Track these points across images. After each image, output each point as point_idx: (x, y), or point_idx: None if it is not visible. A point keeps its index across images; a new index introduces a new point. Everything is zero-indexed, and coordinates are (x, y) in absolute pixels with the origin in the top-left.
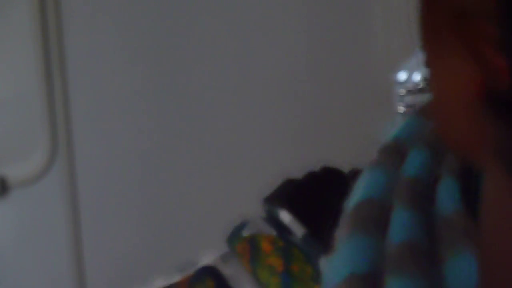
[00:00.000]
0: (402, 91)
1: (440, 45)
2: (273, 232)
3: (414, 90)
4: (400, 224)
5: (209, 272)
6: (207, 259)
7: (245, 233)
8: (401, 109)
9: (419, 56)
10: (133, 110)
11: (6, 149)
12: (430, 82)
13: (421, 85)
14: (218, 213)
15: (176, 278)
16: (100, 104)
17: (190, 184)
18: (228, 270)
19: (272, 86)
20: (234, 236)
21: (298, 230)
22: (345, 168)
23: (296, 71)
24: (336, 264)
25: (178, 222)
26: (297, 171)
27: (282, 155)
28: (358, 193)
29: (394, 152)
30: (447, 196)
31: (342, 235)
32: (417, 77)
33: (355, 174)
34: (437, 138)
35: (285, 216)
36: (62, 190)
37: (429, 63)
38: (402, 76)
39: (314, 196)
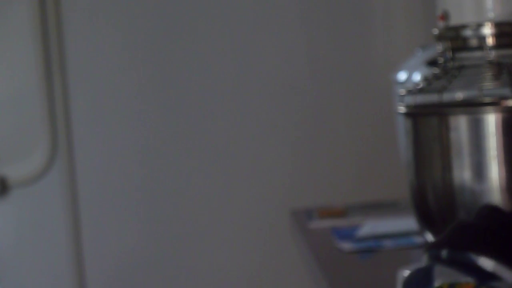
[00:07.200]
0: (402, 91)
1: None
2: (468, 279)
3: (414, 90)
4: None
5: None
6: None
7: (437, 283)
8: (401, 109)
9: (419, 56)
10: (133, 110)
11: (6, 149)
12: None
13: (421, 85)
14: (218, 213)
15: None
16: (100, 104)
17: (190, 184)
18: None
19: (272, 86)
20: None
21: (508, 276)
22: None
23: (296, 71)
24: None
25: (177, 222)
26: (297, 171)
27: (281, 154)
28: None
29: None
30: None
31: None
32: (417, 77)
33: None
34: None
35: (486, 263)
36: (62, 190)
37: None
38: (402, 76)
39: (501, 240)
